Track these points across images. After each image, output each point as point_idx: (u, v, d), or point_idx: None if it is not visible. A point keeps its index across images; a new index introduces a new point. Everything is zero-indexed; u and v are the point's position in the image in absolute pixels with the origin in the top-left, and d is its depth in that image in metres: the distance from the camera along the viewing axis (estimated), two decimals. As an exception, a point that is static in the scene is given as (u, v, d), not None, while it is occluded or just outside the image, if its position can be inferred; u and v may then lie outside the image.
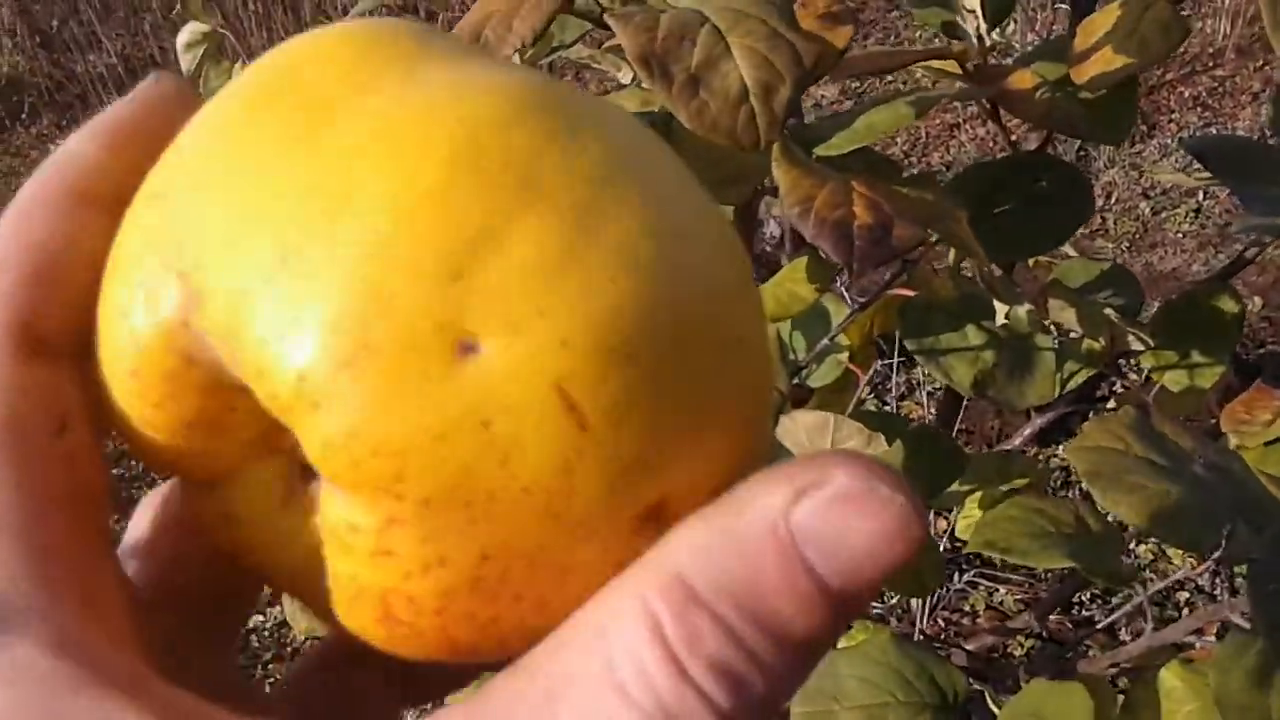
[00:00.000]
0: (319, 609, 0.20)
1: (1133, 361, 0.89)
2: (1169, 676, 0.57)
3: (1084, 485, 0.60)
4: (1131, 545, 1.85)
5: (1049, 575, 1.87)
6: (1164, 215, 2.87)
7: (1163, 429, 0.59)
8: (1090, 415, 2.05)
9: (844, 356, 0.83)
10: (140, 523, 0.24)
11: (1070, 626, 1.83)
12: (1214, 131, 3.13)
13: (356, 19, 0.22)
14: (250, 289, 0.18)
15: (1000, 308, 0.71)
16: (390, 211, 0.18)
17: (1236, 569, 0.61)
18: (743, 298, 0.21)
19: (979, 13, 0.77)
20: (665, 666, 0.17)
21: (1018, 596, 1.90)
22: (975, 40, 0.77)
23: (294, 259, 0.18)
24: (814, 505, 0.17)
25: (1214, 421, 0.86)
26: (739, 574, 0.17)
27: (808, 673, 0.18)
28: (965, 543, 1.09)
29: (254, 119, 0.20)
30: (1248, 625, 0.55)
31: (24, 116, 4.19)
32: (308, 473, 0.20)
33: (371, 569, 0.19)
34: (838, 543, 0.17)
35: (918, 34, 3.57)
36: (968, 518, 0.98)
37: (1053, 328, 0.77)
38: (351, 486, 0.18)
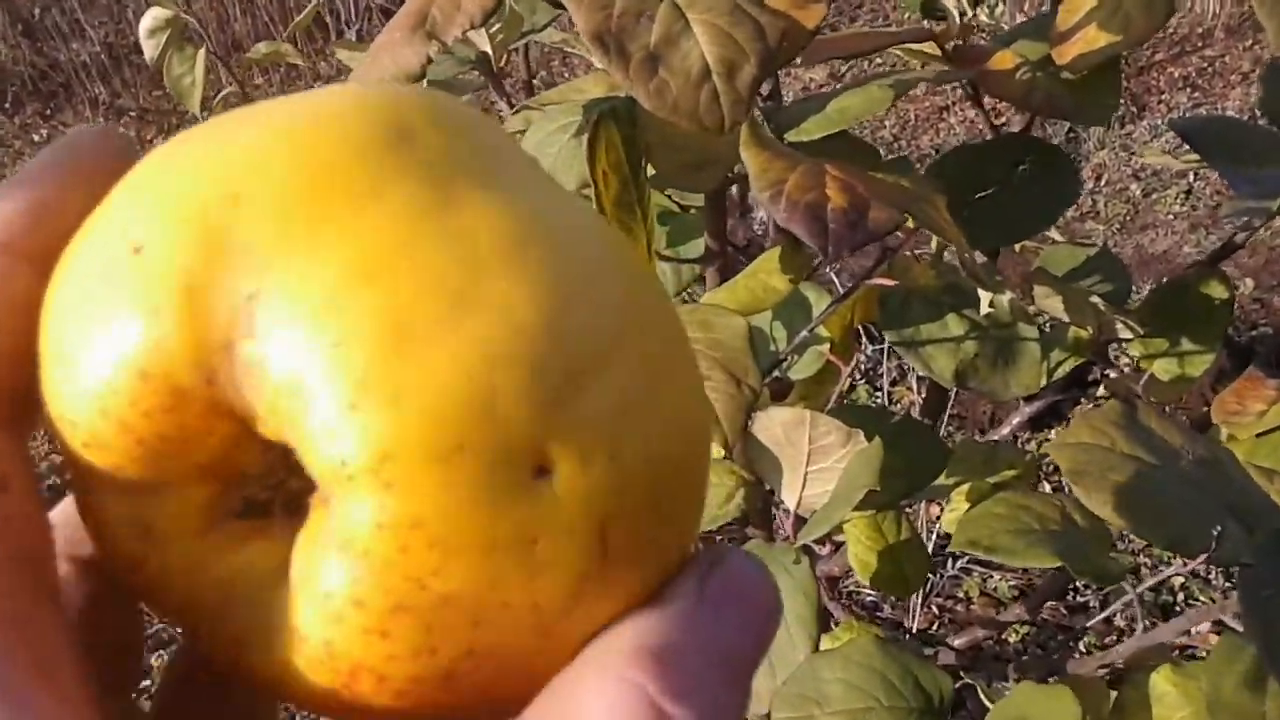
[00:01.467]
0: (222, 642, 0.20)
1: (1123, 347, 0.87)
2: (1160, 681, 0.55)
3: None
4: (1122, 534, 1.83)
5: (1041, 562, 1.85)
6: (1155, 197, 2.86)
7: (1150, 424, 0.57)
8: (1083, 401, 2.03)
9: (824, 348, 0.81)
10: None
11: (1065, 612, 1.81)
12: (1204, 112, 3.11)
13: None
14: (342, 344, 0.18)
15: (985, 296, 0.68)
16: (514, 320, 0.18)
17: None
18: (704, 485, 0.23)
19: (960, -10, 0.74)
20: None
21: (1012, 583, 1.88)
22: (957, 17, 0.75)
23: (409, 331, 0.18)
24: (721, 582, 0.20)
25: (1206, 409, 0.84)
26: (692, 641, 0.20)
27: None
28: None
29: (366, 164, 0.19)
30: (1240, 627, 0.53)
31: (8, 106, 4.16)
32: (254, 510, 0.20)
33: (356, 643, 0.19)
34: (742, 614, 0.20)
35: (905, 15, 3.54)
36: (955, 511, 0.96)
37: (1039, 316, 0.75)
38: (381, 568, 0.18)
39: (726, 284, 0.66)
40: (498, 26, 0.83)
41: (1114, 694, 0.67)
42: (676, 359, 0.21)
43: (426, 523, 0.18)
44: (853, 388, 2.21)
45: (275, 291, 0.18)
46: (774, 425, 0.64)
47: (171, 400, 0.19)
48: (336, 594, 0.19)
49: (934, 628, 1.82)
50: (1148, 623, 0.62)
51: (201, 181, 0.19)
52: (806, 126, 0.57)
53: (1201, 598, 1.77)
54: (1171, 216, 2.78)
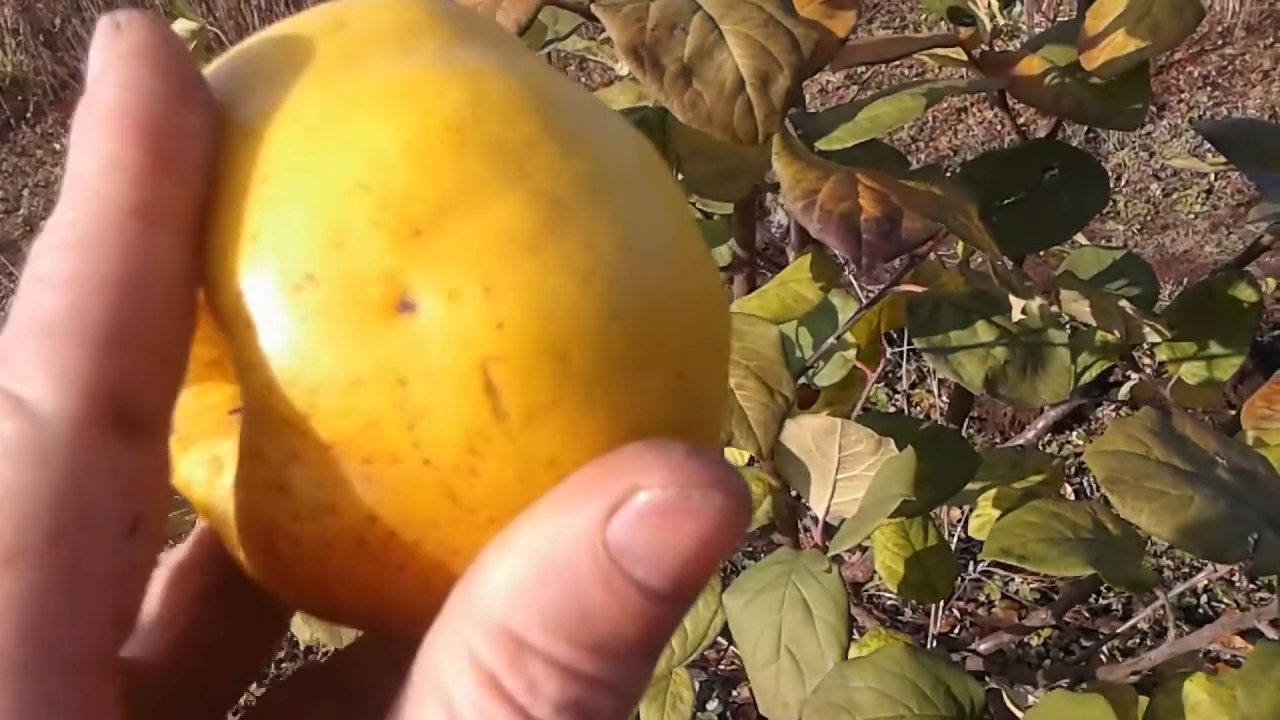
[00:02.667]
0: (231, 543, 0.21)
1: (1148, 348, 0.86)
2: (1194, 689, 0.55)
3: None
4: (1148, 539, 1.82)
5: (1064, 566, 1.85)
6: (1175, 197, 2.84)
7: (1184, 431, 0.57)
8: (1104, 404, 2.02)
9: (851, 354, 0.81)
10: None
11: (1088, 616, 1.80)
12: (1225, 110, 3.09)
13: None
14: (232, 205, 0.18)
15: (1016, 303, 0.68)
16: (373, 159, 0.18)
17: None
18: (700, 330, 0.20)
19: (988, -6, 0.74)
20: (513, 718, 0.17)
21: (1034, 586, 1.88)
22: (986, 21, 0.74)
23: (272, 184, 0.18)
24: (630, 521, 0.17)
25: (1232, 411, 0.84)
26: (566, 609, 0.17)
27: (654, 664, 0.18)
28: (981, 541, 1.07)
29: (295, 57, 0.20)
30: (1275, 635, 0.53)
31: (29, 116, 4.19)
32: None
33: (266, 501, 0.19)
34: (662, 553, 0.17)
35: (923, 17, 3.53)
36: (981, 516, 0.96)
37: (1065, 320, 0.75)
38: (263, 413, 0.18)
39: (757, 292, 0.66)
40: (522, 37, 0.83)
41: (1144, 700, 0.66)
42: (601, 211, 0.18)
43: (282, 357, 0.17)
44: (872, 391, 2.21)
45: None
46: (804, 433, 0.64)
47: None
48: (246, 448, 0.19)
49: (956, 631, 1.82)
50: (1178, 629, 0.62)
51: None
52: (838, 135, 0.57)
53: (1226, 600, 1.76)
54: (1192, 216, 2.77)
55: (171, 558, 0.24)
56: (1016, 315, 0.67)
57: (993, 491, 0.92)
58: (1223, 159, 0.79)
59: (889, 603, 1.82)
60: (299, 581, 0.19)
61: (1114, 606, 1.80)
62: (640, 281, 0.19)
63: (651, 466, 0.17)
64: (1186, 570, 1.82)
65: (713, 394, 0.21)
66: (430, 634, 0.18)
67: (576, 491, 0.17)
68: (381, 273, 0.17)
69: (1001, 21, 0.73)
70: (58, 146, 4.01)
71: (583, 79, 3.50)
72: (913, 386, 2.23)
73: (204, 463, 0.23)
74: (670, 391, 0.19)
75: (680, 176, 0.61)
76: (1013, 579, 1.89)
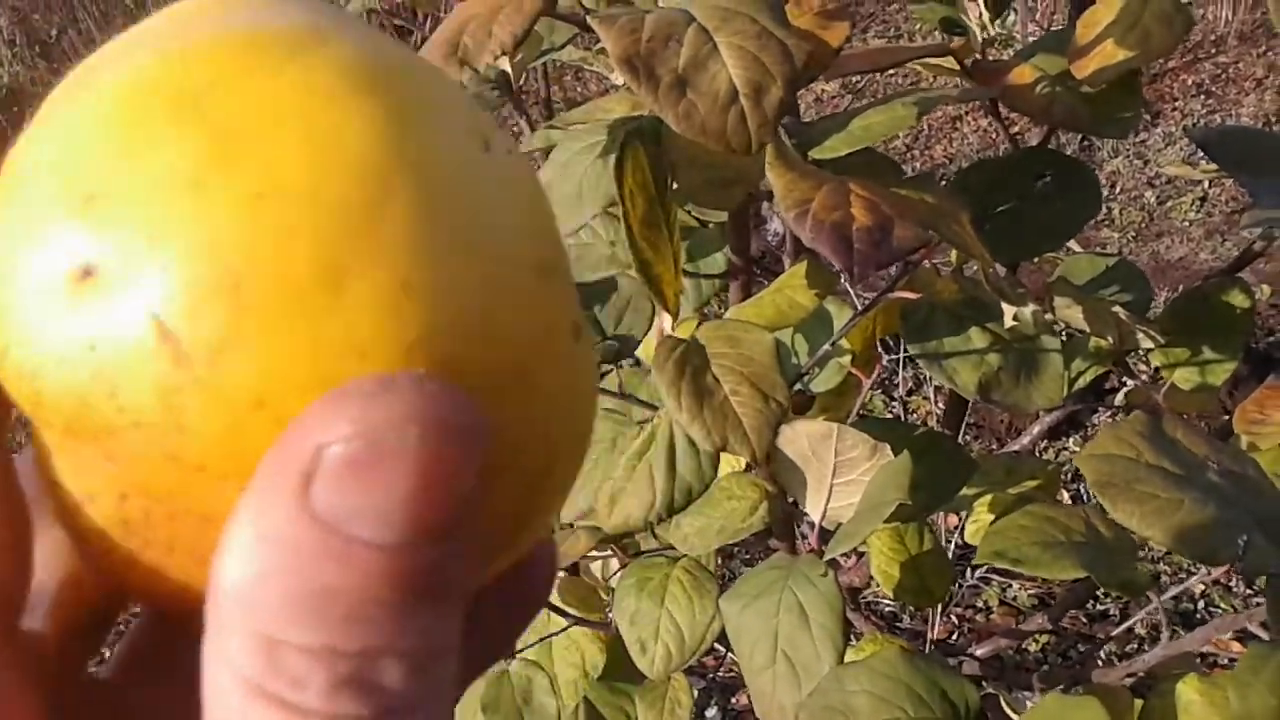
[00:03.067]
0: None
1: (1143, 355, 0.87)
2: (1186, 690, 0.55)
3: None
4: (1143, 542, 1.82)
5: (1061, 571, 1.85)
6: (1170, 204, 2.85)
7: (1175, 434, 0.57)
8: (1100, 409, 2.03)
9: (846, 360, 0.82)
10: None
11: (1085, 621, 1.81)
12: (1218, 118, 3.10)
13: None
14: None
15: (1009, 309, 0.69)
16: (64, 130, 0.18)
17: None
18: (432, 225, 0.18)
19: (980, 3, 0.75)
20: (289, 717, 0.15)
21: (1031, 591, 1.88)
22: (978, 31, 0.75)
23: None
24: (328, 484, 0.15)
25: (1225, 416, 0.84)
26: (304, 591, 0.15)
27: (447, 607, 0.17)
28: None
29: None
30: (1266, 636, 0.53)
31: (25, 126, 4.18)
32: None
33: (54, 501, 0.19)
34: (378, 506, 0.15)
35: (917, 27, 3.55)
36: (977, 522, 0.96)
37: (1058, 326, 0.75)
38: (28, 412, 0.18)
39: (752, 300, 0.66)
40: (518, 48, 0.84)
41: (1139, 702, 0.67)
42: (307, 112, 0.17)
43: (7, 349, 0.18)
44: (869, 397, 2.22)
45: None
46: (800, 438, 0.65)
47: None
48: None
49: (953, 637, 1.82)
50: (1171, 631, 0.62)
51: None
52: (830, 144, 0.58)
53: (1223, 605, 1.77)
54: (1187, 223, 2.78)
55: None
56: (1009, 322, 0.67)
57: (988, 497, 0.92)
58: (1215, 166, 0.80)
59: (887, 609, 1.82)
60: (110, 572, 0.19)
61: (1111, 612, 1.81)
62: (326, 191, 0.17)
63: (334, 416, 0.16)
64: (1183, 575, 1.82)
65: (466, 297, 0.18)
66: (204, 641, 0.17)
67: (272, 460, 0.16)
68: (63, 246, 0.17)
69: (992, 32, 0.74)
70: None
71: (579, 89, 3.51)
72: (909, 393, 2.23)
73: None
74: (391, 306, 0.17)
75: (675, 185, 0.61)
76: (1010, 584, 1.89)
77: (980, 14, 0.72)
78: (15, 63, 4.32)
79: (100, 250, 0.17)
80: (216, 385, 0.16)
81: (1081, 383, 0.88)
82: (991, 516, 0.92)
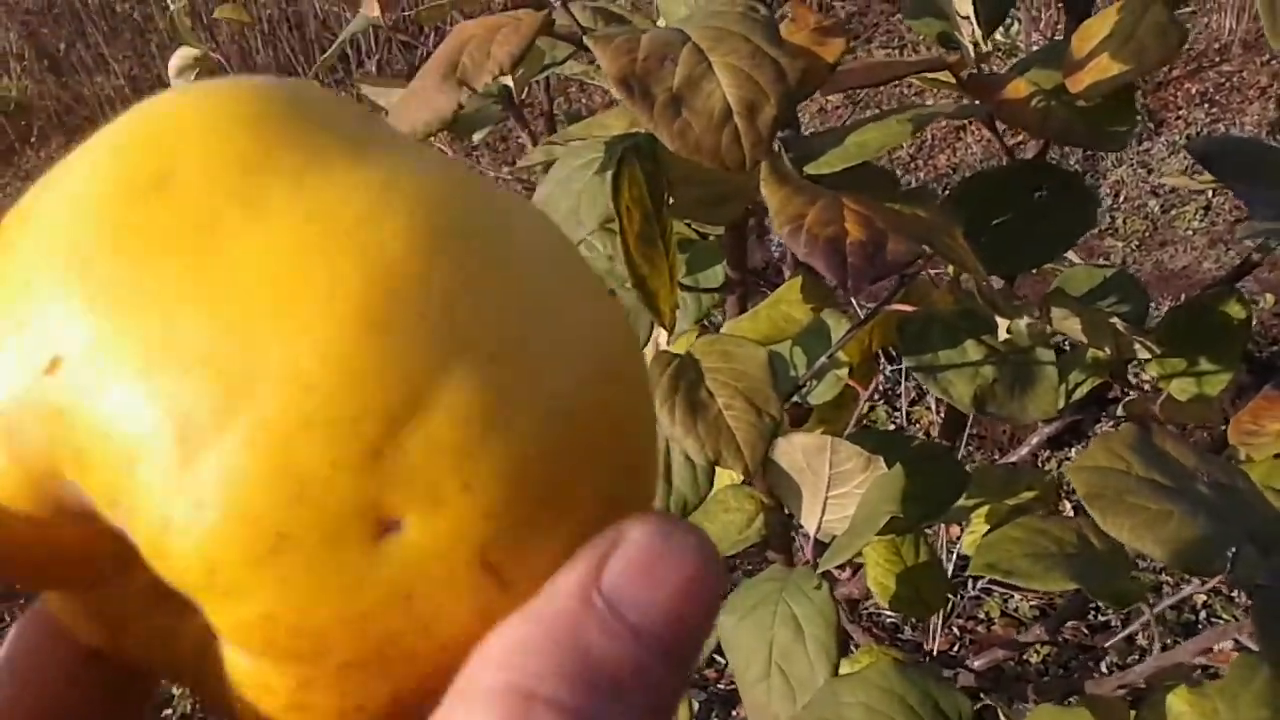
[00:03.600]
0: (212, 700, 0.20)
1: (1140, 363, 0.87)
2: (1176, 701, 0.56)
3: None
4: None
5: (1063, 582, 1.85)
6: (1174, 213, 2.85)
7: (1165, 447, 0.58)
8: (1103, 418, 2.03)
9: (843, 373, 0.82)
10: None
11: (1086, 632, 1.81)
12: (1222, 128, 3.11)
13: (234, 82, 0.20)
14: (142, 456, 0.16)
15: (1002, 322, 0.69)
16: (298, 384, 0.16)
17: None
18: (643, 425, 0.20)
19: (973, 20, 0.76)
20: None
21: (1033, 603, 1.88)
22: (970, 47, 0.76)
23: (193, 433, 0.16)
24: (619, 567, 0.18)
25: (1225, 427, 0.84)
26: (568, 657, 0.17)
27: (678, 698, 0.18)
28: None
29: (125, 232, 0.17)
30: (1255, 647, 0.54)
31: (33, 140, 4.20)
32: None
33: (284, 716, 0.18)
34: (653, 594, 0.18)
35: (921, 37, 3.55)
36: (974, 533, 0.97)
37: (1056, 336, 0.76)
38: (264, 656, 0.18)
39: (748, 314, 0.67)
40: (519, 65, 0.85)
41: (1133, 713, 0.67)
42: (541, 344, 0.18)
43: (278, 618, 0.17)
44: (871, 408, 2.22)
45: (73, 402, 0.17)
46: (795, 451, 0.65)
47: (37, 531, 0.18)
48: (247, 680, 0.18)
49: (955, 649, 1.82)
50: (1167, 642, 0.63)
51: None
52: (826, 159, 0.58)
53: (1224, 615, 1.77)
54: (1191, 232, 2.78)
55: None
56: (1003, 335, 0.68)
57: (986, 509, 0.93)
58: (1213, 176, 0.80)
59: (889, 621, 1.82)
60: None
61: (1113, 623, 1.81)
62: (602, 401, 0.19)
63: (629, 524, 0.18)
64: (1185, 585, 1.82)
65: (651, 484, 0.21)
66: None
67: (564, 566, 0.18)
68: (355, 508, 0.16)
69: (985, 47, 0.74)
70: (62, 169, 4.02)
71: (583, 100, 3.52)
72: (912, 404, 2.23)
73: (160, 635, 0.21)
74: (628, 492, 0.19)
75: (671, 201, 0.62)
76: (1012, 596, 1.89)
77: (973, 30, 0.72)
78: (24, 76, 4.34)
79: (407, 502, 0.17)
80: (524, 590, 0.18)
81: (1080, 394, 0.89)
82: (988, 528, 0.92)
